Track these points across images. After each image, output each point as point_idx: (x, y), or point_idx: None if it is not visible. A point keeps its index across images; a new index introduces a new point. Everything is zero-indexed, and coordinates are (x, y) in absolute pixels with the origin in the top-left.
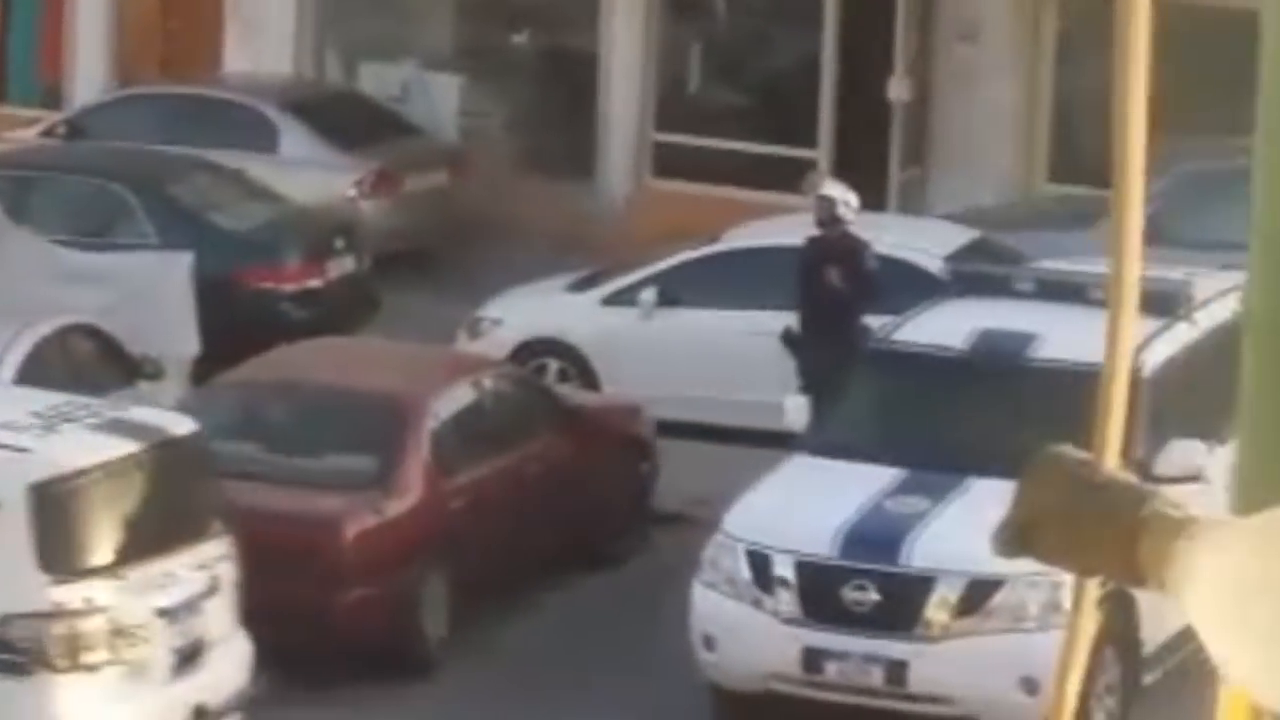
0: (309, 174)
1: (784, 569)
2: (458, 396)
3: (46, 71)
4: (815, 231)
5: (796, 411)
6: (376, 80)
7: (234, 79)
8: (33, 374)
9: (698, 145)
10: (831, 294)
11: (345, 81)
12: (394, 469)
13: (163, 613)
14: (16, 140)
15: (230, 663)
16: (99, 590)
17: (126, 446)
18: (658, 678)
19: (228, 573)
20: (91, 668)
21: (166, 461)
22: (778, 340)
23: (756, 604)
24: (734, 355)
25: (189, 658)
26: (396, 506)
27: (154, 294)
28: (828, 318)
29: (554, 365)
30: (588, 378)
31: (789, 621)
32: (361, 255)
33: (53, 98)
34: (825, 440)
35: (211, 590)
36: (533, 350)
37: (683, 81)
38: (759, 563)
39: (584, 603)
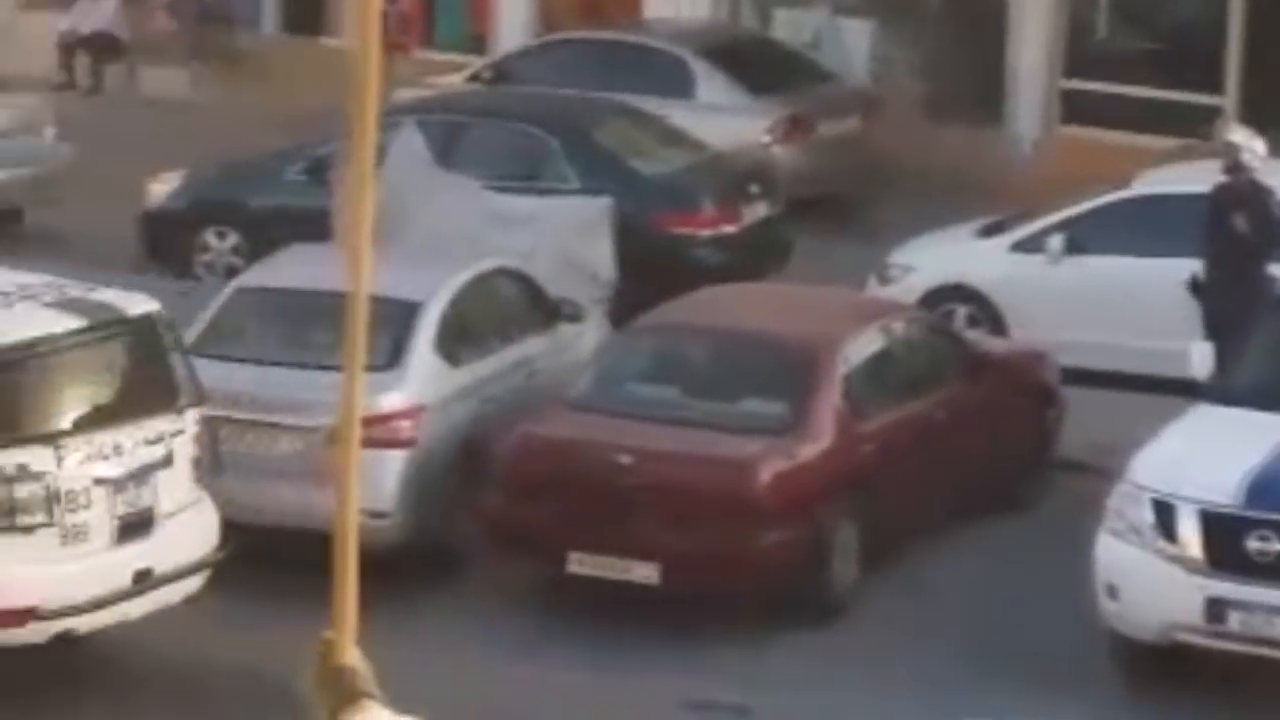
0: (724, 119)
1: (1188, 518)
2: (868, 341)
3: (474, 18)
4: (1222, 178)
5: (1201, 359)
6: (790, 26)
7: (653, 25)
8: (458, 314)
9: (1105, 92)
10: (1237, 241)
11: (760, 27)
12: (807, 413)
13: (104, 481)
14: (444, 86)
15: (187, 532)
16: (36, 457)
17: (73, 322)
18: (1061, 623)
19: (184, 447)
20: (28, 529)
21: (118, 339)
22: (1184, 287)
23: (1161, 553)
24: (1140, 302)
25: (135, 525)
26: (809, 450)
27: (575, 237)
28: (1233, 265)
29: (962, 311)
30: (995, 324)
31: (1193, 571)
32: (775, 200)
33: (478, 44)
34: (1230, 388)
35: (164, 462)
36: (942, 296)
37: (1090, 28)
38: (1164, 512)
39: (989, 546)
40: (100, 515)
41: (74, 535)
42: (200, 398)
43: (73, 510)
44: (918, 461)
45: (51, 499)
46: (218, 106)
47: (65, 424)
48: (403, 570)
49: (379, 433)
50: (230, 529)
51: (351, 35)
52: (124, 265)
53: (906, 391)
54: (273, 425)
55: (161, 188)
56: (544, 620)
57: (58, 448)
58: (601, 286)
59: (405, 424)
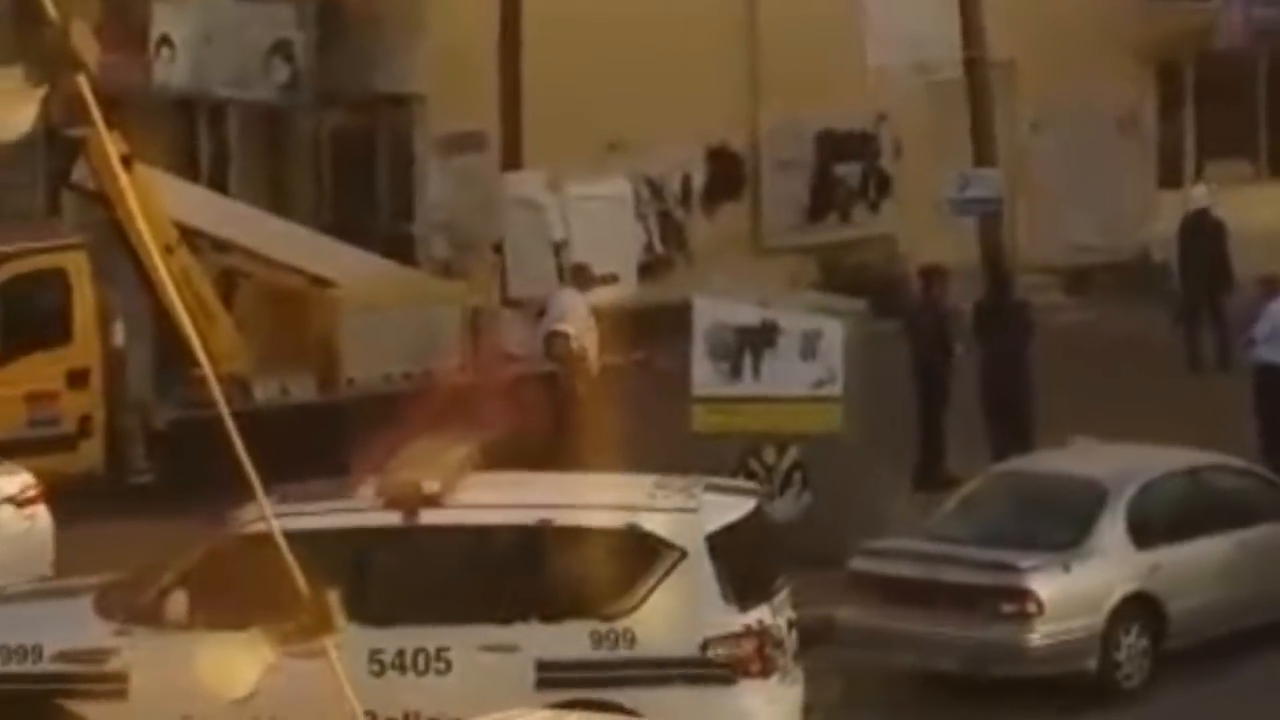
0: None
1: None
2: None
3: None
4: None
5: None
6: None
7: None
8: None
9: None
10: None
11: None
12: None
13: (790, 628)
14: None
15: (801, 674)
16: (764, 613)
17: (747, 506)
18: None
19: None
20: (767, 673)
21: (762, 518)
22: None
23: None
24: None
25: (793, 667)
26: None
27: None
28: None
29: None
30: None
31: None
32: None
33: None
34: None
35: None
36: None
37: None
38: None
39: None
40: (789, 658)
41: (783, 674)
42: None
43: (783, 654)
44: None
45: (776, 646)
46: None
47: (767, 585)
48: None
49: None
50: None
51: None
52: None
53: None
54: None
55: None
56: None
57: (771, 604)
58: None
59: None
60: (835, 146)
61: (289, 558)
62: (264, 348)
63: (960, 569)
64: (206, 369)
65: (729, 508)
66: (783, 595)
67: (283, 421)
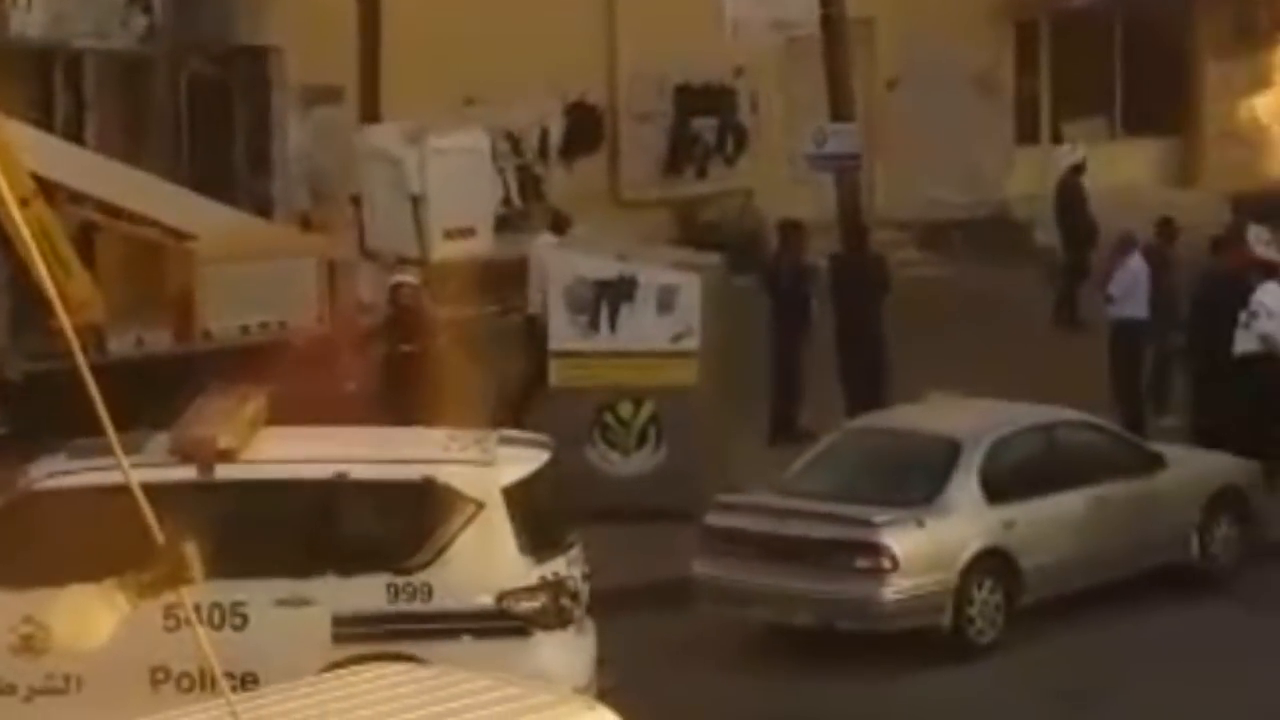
0: None
1: None
2: None
3: None
4: None
5: None
6: None
7: None
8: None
9: None
10: None
11: None
12: None
13: (584, 580)
14: None
15: (593, 626)
16: (560, 565)
17: (542, 458)
18: None
19: None
20: (565, 625)
21: (556, 469)
22: None
23: None
24: None
25: (585, 618)
26: None
27: None
28: None
29: None
30: None
31: None
32: None
33: None
34: None
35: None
36: None
37: None
38: None
39: None
40: (583, 609)
41: (578, 626)
42: None
43: (578, 605)
44: None
45: (572, 597)
46: None
47: (565, 536)
48: None
49: None
50: None
51: None
52: None
53: None
54: None
55: None
56: None
57: (567, 555)
58: None
59: None
60: (693, 100)
61: (146, 508)
62: (120, 300)
63: (815, 524)
64: (63, 320)
65: (524, 460)
66: (577, 547)
67: (138, 373)
